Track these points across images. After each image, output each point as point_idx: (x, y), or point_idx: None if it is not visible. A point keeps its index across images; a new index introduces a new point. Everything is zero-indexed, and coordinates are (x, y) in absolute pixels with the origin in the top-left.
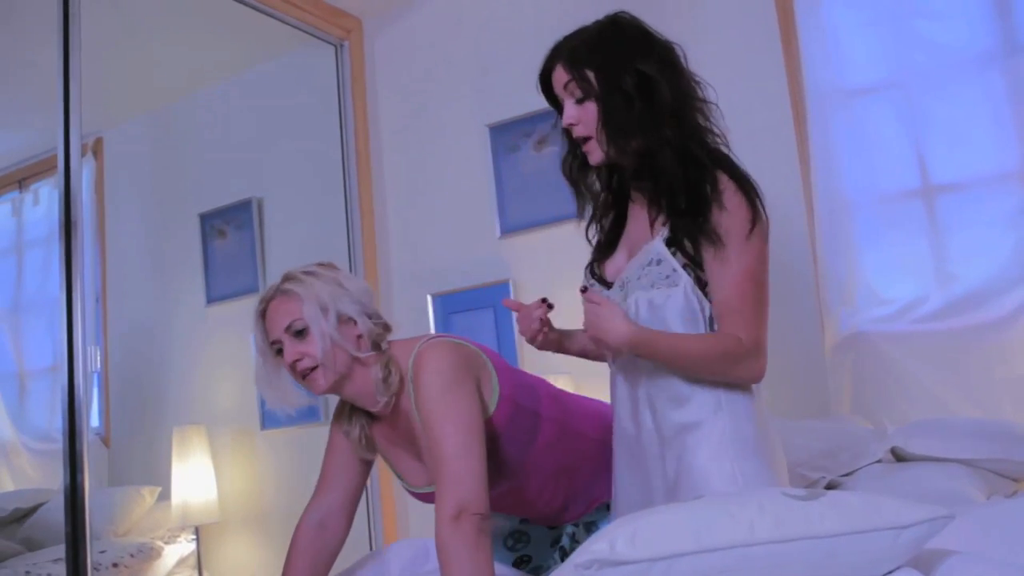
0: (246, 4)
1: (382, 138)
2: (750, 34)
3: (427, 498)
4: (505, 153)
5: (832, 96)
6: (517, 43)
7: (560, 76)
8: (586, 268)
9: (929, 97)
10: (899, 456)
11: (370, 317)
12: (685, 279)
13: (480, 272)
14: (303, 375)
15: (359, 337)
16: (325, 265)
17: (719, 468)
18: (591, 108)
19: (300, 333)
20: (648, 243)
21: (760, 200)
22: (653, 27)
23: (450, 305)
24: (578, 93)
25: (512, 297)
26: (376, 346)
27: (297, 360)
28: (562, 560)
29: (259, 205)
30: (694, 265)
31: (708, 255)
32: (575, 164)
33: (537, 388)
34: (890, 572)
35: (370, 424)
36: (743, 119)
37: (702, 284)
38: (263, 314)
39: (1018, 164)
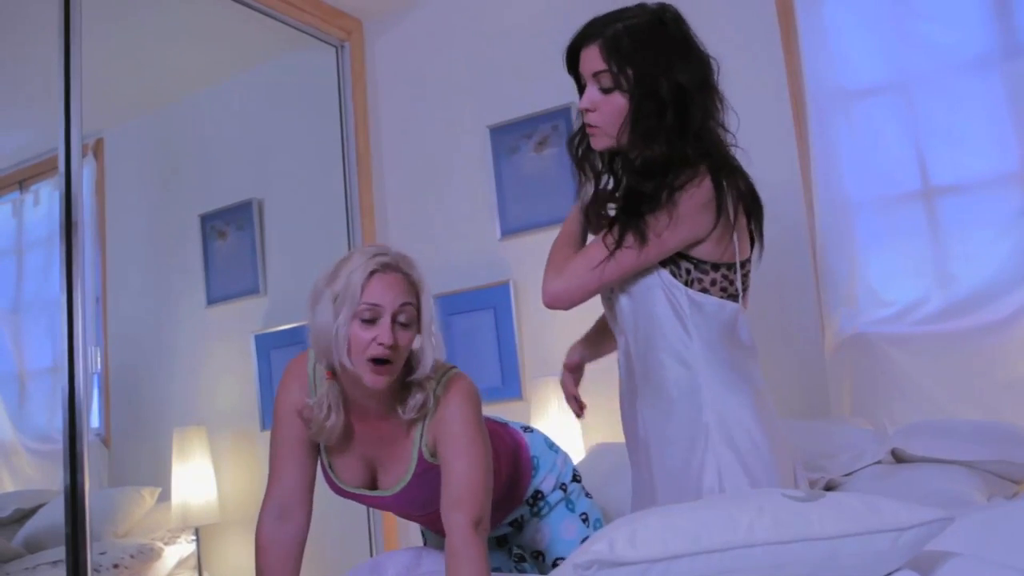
0: (246, 5)
1: (382, 139)
2: (750, 34)
3: (352, 497)
4: (505, 154)
5: (833, 97)
6: (517, 44)
7: (594, 60)
8: None
9: (929, 99)
10: (899, 457)
11: None
12: (657, 268)
13: (480, 273)
14: (376, 360)
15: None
16: None
17: (704, 467)
18: (615, 100)
19: (406, 324)
20: None
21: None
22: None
23: (450, 306)
24: (608, 83)
25: (512, 298)
26: None
27: (389, 345)
28: (510, 555)
29: (259, 206)
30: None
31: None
32: (583, 144)
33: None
34: (890, 574)
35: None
36: (743, 120)
37: (679, 272)
38: (373, 274)
39: (1018, 166)
